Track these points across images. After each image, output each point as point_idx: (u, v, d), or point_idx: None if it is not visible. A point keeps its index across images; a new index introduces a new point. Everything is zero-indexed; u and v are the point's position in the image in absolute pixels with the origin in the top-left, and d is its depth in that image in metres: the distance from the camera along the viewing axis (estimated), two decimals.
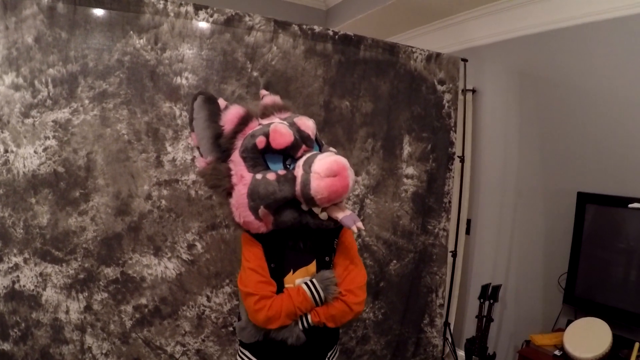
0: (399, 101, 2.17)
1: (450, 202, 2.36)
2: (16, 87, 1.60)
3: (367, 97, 2.09)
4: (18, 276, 1.63)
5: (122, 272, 1.74)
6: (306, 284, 1.09)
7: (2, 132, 1.59)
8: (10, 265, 1.62)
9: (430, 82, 2.26)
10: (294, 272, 1.10)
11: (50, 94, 1.63)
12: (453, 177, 2.38)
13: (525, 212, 2.45)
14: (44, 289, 1.66)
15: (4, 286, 1.63)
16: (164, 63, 1.74)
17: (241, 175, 1.03)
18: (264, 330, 1.09)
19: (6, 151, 1.60)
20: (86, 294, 1.70)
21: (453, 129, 2.34)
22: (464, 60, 2.41)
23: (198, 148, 1.09)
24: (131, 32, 1.69)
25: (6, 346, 1.64)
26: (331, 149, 1.15)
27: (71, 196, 1.67)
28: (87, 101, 1.67)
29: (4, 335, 1.64)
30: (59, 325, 1.68)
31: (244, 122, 1.07)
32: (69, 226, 1.67)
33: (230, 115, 1.06)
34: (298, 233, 1.09)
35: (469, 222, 2.73)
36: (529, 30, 2.41)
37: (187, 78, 1.77)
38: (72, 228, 1.67)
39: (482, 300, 2.27)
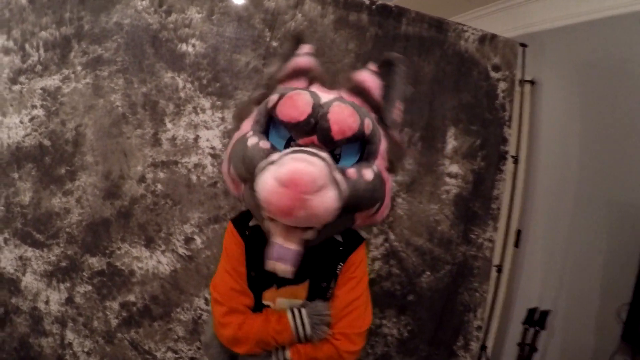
0: (444, 86, 1.91)
1: (499, 208, 2.07)
2: (6, 51, 1.53)
3: (407, 78, 1.83)
4: None
5: (108, 264, 1.62)
6: (292, 311, 0.89)
7: None
8: None
9: (483, 67, 1.98)
10: (278, 288, 0.91)
11: (41, 59, 1.54)
12: (504, 179, 2.08)
13: (585, 227, 2.13)
14: (24, 274, 1.59)
15: None
16: (168, 28, 1.59)
17: (246, 125, 0.88)
18: (230, 352, 0.93)
19: None
20: (68, 285, 1.60)
21: (507, 123, 2.05)
22: (523, 45, 2.11)
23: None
24: None
25: None
26: (366, 170, 0.83)
27: (56, 173, 1.57)
28: (79, 67, 1.55)
29: None
30: (38, 315, 1.61)
31: (291, 75, 0.91)
32: (52, 207, 1.57)
33: (293, 62, 0.92)
34: None
35: (518, 233, 2.40)
36: (599, 13, 2.08)
37: (193, 45, 1.61)
38: (56, 209, 1.57)
39: (527, 325, 2.05)
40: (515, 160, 2.17)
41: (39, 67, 1.53)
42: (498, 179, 2.05)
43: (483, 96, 1.99)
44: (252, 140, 0.81)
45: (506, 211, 2.21)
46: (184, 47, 1.59)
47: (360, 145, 0.84)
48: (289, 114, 0.79)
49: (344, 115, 0.79)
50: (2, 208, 1.55)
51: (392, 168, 0.92)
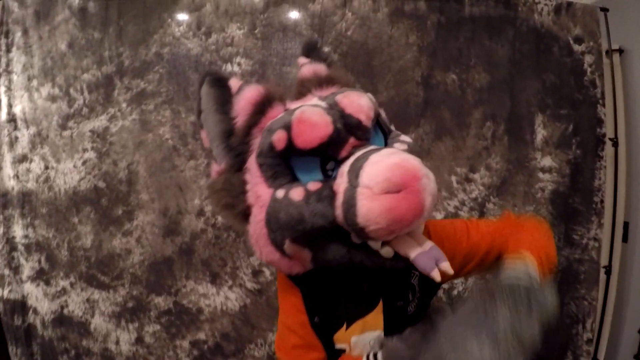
0: (523, 68, 1.72)
1: (602, 201, 1.84)
2: (53, 99, 1.57)
3: (480, 66, 1.70)
4: (66, 301, 1.60)
5: (175, 302, 1.59)
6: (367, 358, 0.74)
7: (42, 147, 1.57)
8: (58, 289, 1.60)
9: (564, 40, 1.77)
10: (347, 328, 0.77)
11: (86, 101, 1.56)
12: (604, 167, 1.84)
13: None
14: (92, 316, 1.62)
15: (52, 310, 1.60)
16: (209, 50, 1.54)
17: (257, 192, 0.70)
18: None
19: (47, 167, 1.59)
20: (136, 325, 1.60)
21: (600, 101, 1.82)
22: (604, 9, 1.89)
23: (211, 151, 0.77)
24: (169, 19, 1.57)
25: None
26: (404, 137, 0.77)
27: (114, 214, 1.58)
28: (124, 104, 1.55)
29: None
30: (109, 356, 1.62)
31: (260, 109, 0.72)
32: (114, 248, 1.58)
33: (242, 100, 0.73)
34: (359, 270, 0.73)
35: (626, 226, 2.11)
36: None
37: (239, 64, 1.54)
38: (117, 250, 1.58)
39: None
40: (615, 143, 1.91)
41: (85, 110, 1.54)
42: (598, 167, 1.83)
43: (569, 74, 1.78)
44: (297, 194, 0.66)
45: (610, 203, 1.96)
46: (229, 67, 1.53)
47: (376, 127, 0.76)
48: (314, 137, 0.65)
49: (354, 98, 0.71)
50: (66, 253, 1.57)
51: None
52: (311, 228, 0.65)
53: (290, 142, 0.65)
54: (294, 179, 0.68)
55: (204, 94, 0.76)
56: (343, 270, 0.73)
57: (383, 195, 0.59)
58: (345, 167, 0.65)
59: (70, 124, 1.54)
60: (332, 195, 0.64)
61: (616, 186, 1.95)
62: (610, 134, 1.89)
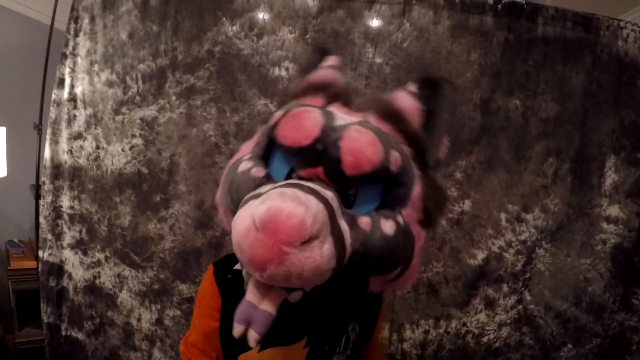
0: (599, 102, 1.60)
1: None
2: (110, 84, 1.64)
3: (549, 94, 1.61)
4: (99, 272, 1.69)
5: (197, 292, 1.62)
6: None
7: (96, 128, 1.65)
8: (94, 260, 1.68)
9: None
10: (260, 349, 0.76)
11: (140, 90, 1.62)
12: None
13: None
14: (120, 291, 1.69)
15: (85, 279, 1.68)
16: (259, 52, 1.56)
17: (245, 145, 0.73)
18: None
19: (97, 147, 1.65)
20: (159, 307, 1.67)
21: None
22: None
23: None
24: (223, 18, 1.57)
25: (80, 335, 1.71)
26: (389, 224, 0.60)
27: (152, 200, 1.64)
28: (174, 97, 1.60)
29: (79, 324, 1.71)
30: (130, 331, 1.70)
31: (307, 90, 0.72)
32: (148, 231, 1.65)
33: (313, 75, 0.76)
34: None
35: None
36: None
37: (287, 68, 1.54)
38: (151, 234, 1.65)
39: None
40: None
41: (137, 99, 1.60)
42: None
43: None
44: (244, 165, 0.65)
45: None
46: (276, 70, 1.54)
47: (384, 187, 0.62)
48: (290, 137, 0.61)
49: (361, 143, 0.59)
50: (105, 228, 1.65)
51: (428, 221, 0.68)
52: (228, 199, 0.65)
53: (273, 128, 0.65)
54: (262, 157, 0.67)
55: (310, 56, 0.83)
56: None
57: (252, 221, 0.52)
58: (280, 184, 0.59)
59: (123, 109, 1.61)
60: (255, 188, 0.61)
61: None
62: None
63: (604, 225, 1.61)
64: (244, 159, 0.66)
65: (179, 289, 1.63)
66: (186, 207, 1.60)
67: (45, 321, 1.68)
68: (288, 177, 0.63)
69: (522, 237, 1.63)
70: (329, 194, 0.56)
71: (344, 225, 0.55)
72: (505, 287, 1.63)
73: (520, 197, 1.61)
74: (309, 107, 0.65)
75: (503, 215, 1.61)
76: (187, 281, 1.63)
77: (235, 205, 0.62)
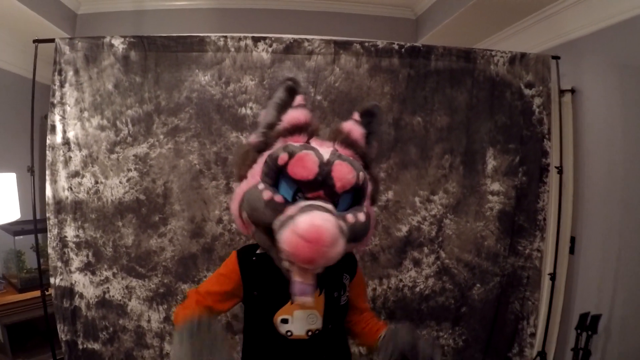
0: (479, 112, 1.97)
1: (545, 219, 2.09)
2: (102, 128, 1.80)
3: (442, 110, 1.95)
4: (108, 287, 1.82)
5: None
6: None
7: (93, 166, 1.80)
8: (102, 278, 1.82)
9: (516, 86, 2.02)
10: (292, 303, 1.00)
11: (130, 132, 1.80)
12: (548, 191, 2.09)
13: (635, 230, 2.06)
14: (130, 300, 1.83)
15: (96, 295, 1.82)
16: (228, 96, 1.81)
17: (254, 174, 0.98)
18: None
19: (96, 182, 1.80)
20: (165, 307, 1.84)
21: (547, 137, 2.07)
22: (555, 57, 2.12)
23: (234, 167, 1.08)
24: (197, 70, 1.80)
25: (96, 346, 1.83)
26: (360, 214, 0.96)
27: (151, 220, 1.82)
28: (162, 136, 1.80)
29: (94, 336, 1.83)
30: (142, 332, 1.84)
31: (293, 131, 0.99)
32: (150, 246, 1.82)
33: (290, 116, 1.00)
34: None
35: (572, 240, 2.36)
36: (633, 11, 1.98)
37: (251, 108, 1.81)
38: (153, 248, 1.82)
39: (579, 330, 2.00)
40: (560, 170, 2.17)
41: (129, 139, 1.79)
42: (542, 191, 2.07)
43: (519, 115, 2.02)
44: (266, 195, 0.91)
45: (555, 220, 2.22)
46: (243, 110, 1.81)
47: (353, 193, 0.98)
48: (300, 174, 0.91)
49: (344, 172, 0.93)
50: (111, 249, 1.80)
51: (373, 201, 1.07)
52: (257, 218, 0.93)
53: (285, 165, 0.91)
54: (275, 185, 0.94)
55: (279, 92, 1.02)
56: None
57: (300, 238, 0.81)
58: (301, 204, 0.88)
59: (117, 149, 1.78)
60: (281, 211, 0.88)
61: (561, 206, 2.19)
62: (556, 162, 2.13)
63: (490, 197, 2.01)
64: (262, 189, 0.92)
65: (182, 289, 1.83)
66: (181, 222, 1.82)
67: (63, 339, 1.80)
68: (294, 195, 0.93)
69: (433, 212, 1.96)
70: (331, 207, 0.88)
71: (342, 224, 0.86)
72: (425, 250, 1.95)
73: (428, 185, 1.93)
74: (306, 149, 0.92)
75: (417, 199, 1.93)
76: (187, 281, 1.83)
77: (265, 223, 0.90)
